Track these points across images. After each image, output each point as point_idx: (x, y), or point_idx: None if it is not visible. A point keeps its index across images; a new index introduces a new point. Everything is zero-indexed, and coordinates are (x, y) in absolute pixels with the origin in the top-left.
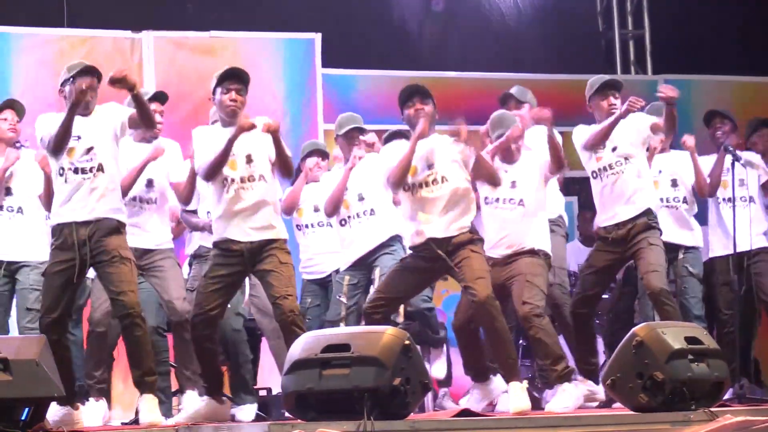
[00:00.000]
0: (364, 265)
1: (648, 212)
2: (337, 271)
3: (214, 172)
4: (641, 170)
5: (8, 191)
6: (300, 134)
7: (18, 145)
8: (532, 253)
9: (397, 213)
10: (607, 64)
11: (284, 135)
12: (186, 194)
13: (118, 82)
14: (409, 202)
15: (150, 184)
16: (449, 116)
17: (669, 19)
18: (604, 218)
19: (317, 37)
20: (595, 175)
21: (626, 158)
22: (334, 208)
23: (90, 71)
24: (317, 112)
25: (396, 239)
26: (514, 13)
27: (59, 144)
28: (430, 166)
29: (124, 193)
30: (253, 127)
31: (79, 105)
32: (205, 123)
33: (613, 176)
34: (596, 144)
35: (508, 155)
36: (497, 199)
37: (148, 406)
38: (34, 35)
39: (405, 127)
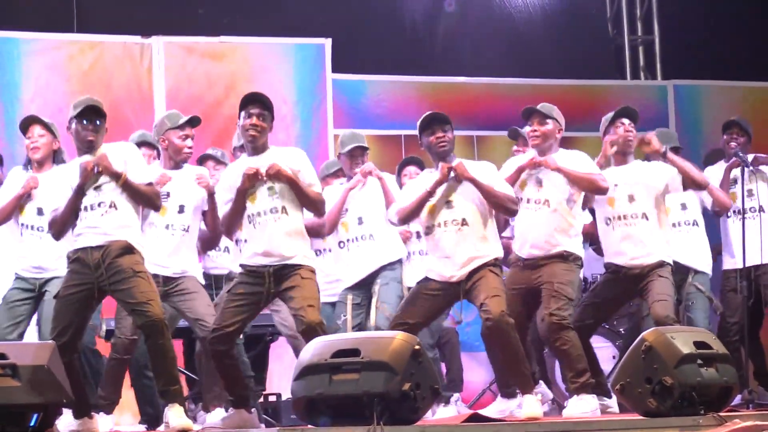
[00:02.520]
0: (365, 285)
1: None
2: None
3: (230, 229)
4: (658, 226)
5: (39, 211)
6: (310, 139)
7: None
8: (562, 257)
9: (397, 238)
10: (616, 69)
11: (294, 140)
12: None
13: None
14: (428, 244)
15: (181, 210)
16: (460, 122)
17: (679, 24)
18: (613, 256)
19: (327, 43)
20: (608, 222)
21: (643, 215)
22: (331, 228)
23: (92, 111)
24: (327, 118)
25: (398, 263)
26: (524, 19)
27: (61, 229)
28: (448, 204)
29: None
30: (256, 175)
31: (85, 187)
32: (214, 128)
33: (626, 228)
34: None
35: (538, 155)
36: (522, 200)
37: (176, 414)
38: (44, 40)
39: (413, 133)
